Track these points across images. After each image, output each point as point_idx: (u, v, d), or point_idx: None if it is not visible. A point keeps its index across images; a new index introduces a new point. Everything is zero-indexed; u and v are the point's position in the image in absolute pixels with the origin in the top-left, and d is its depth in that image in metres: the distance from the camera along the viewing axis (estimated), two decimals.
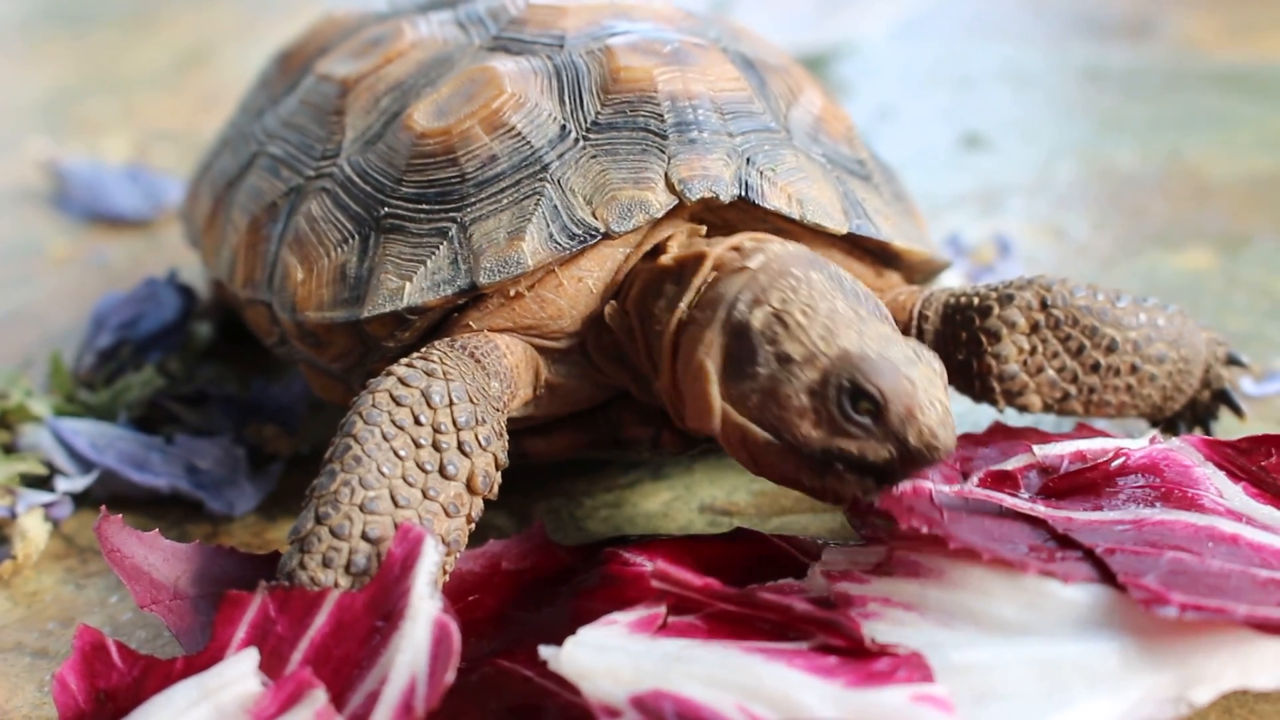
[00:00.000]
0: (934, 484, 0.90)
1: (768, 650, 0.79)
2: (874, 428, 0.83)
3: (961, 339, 1.04)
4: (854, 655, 0.79)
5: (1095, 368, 1.03)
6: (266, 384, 1.27)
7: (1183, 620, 0.77)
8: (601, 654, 0.78)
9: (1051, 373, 1.04)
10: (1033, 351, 1.03)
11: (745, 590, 0.84)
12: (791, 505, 1.10)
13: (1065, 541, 0.85)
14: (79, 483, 1.15)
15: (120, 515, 0.93)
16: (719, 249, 0.95)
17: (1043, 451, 0.95)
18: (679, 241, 0.99)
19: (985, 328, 1.03)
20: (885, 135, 2.05)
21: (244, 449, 1.18)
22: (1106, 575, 0.81)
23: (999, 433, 1.03)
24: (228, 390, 1.28)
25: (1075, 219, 1.72)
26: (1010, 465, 0.94)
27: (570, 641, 0.79)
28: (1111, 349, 1.03)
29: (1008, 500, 0.89)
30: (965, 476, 0.94)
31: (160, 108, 2.48)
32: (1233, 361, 1.11)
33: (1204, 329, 1.10)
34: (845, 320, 0.86)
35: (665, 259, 0.97)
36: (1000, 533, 0.86)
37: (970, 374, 1.04)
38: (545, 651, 0.79)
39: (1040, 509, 0.88)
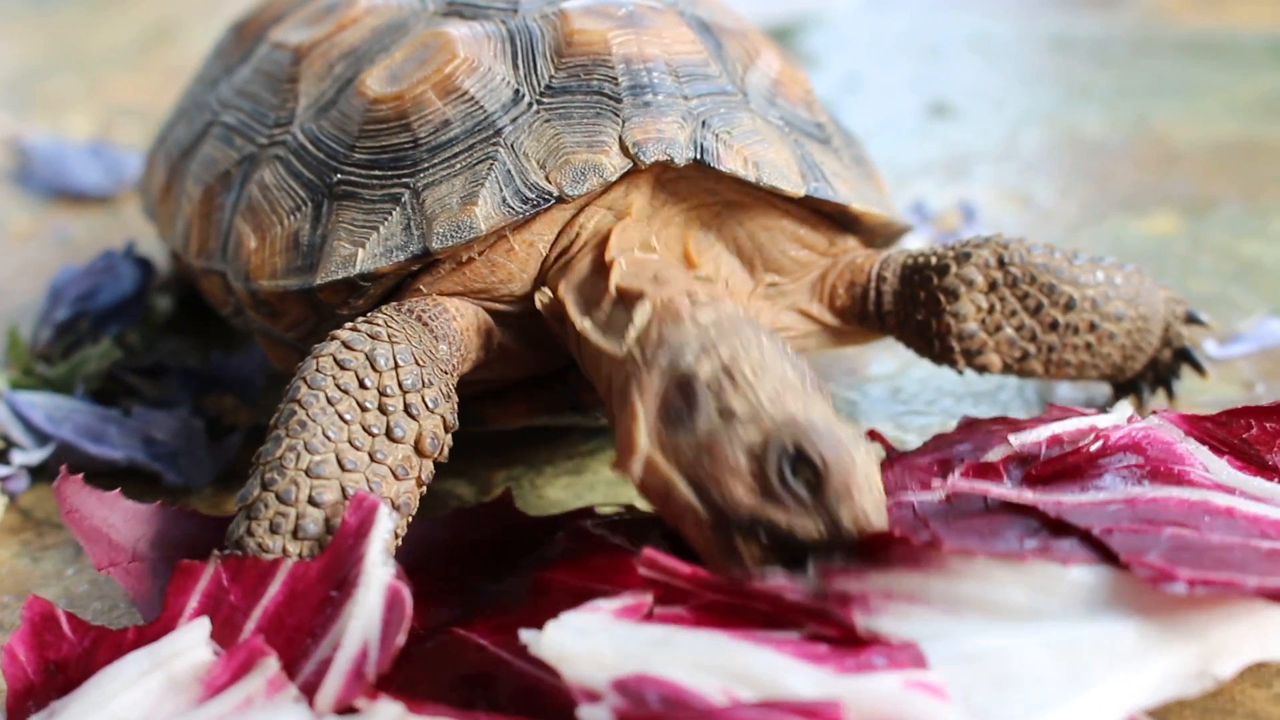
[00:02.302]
0: (914, 494, 0.89)
1: (757, 637, 0.77)
2: (808, 499, 0.80)
3: (920, 298, 1.04)
4: (846, 644, 0.77)
5: (1054, 326, 1.03)
6: (225, 356, 1.26)
7: (1193, 596, 0.75)
8: (583, 638, 0.76)
9: (1010, 331, 1.03)
10: (991, 310, 1.03)
11: (735, 580, 0.82)
12: None
13: (1058, 527, 0.83)
14: (35, 455, 1.14)
15: (80, 475, 0.92)
16: (670, 290, 0.92)
17: (1019, 440, 0.93)
18: (628, 259, 0.96)
19: (943, 286, 1.03)
20: (853, 105, 2.05)
21: (202, 421, 1.18)
22: (1107, 556, 0.79)
23: (970, 426, 1.00)
24: (186, 362, 1.28)
25: (1042, 186, 1.72)
26: (990, 457, 0.93)
27: (552, 625, 0.77)
28: (1070, 307, 1.03)
29: (994, 490, 0.88)
30: (945, 477, 0.92)
31: (125, 84, 2.46)
32: (1192, 320, 1.11)
33: (1162, 288, 1.09)
34: (795, 388, 0.83)
35: (611, 284, 0.94)
36: (991, 529, 0.84)
37: (929, 334, 1.04)
38: (526, 635, 0.77)
39: (1029, 496, 0.87)
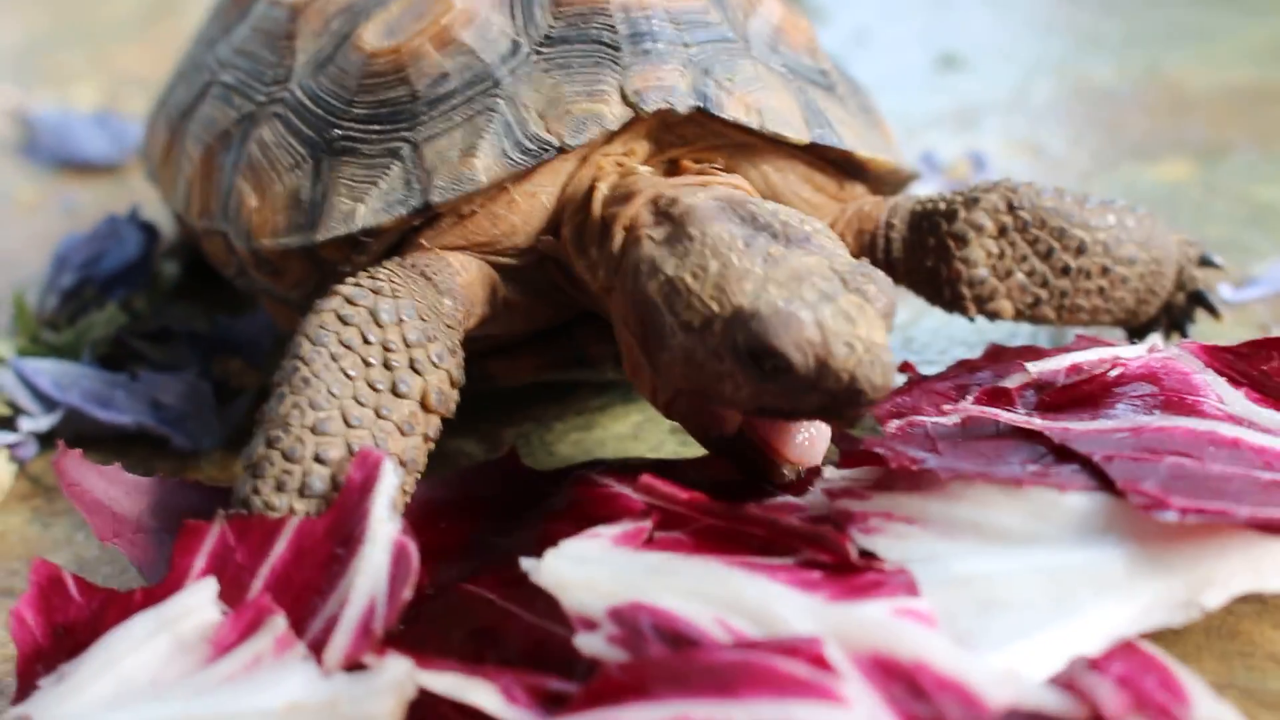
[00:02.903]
0: (928, 416, 0.89)
1: (751, 564, 0.78)
2: (790, 381, 0.79)
3: (929, 245, 1.03)
4: (839, 570, 0.77)
5: (1065, 270, 1.02)
6: (231, 319, 1.26)
7: (1184, 524, 0.75)
8: (581, 566, 0.77)
9: (1021, 276, 1.02)
10: (1001, 255, 1.02)
11: (731, 504, 0.82)
12: None
13: (1063, 453, 0.83)
14: (43, 422, 1.14)
15: (79, 450, 0.92)
16: (635, 207, 0.91)
17: (1038, 367, 0.93)
18: (610, 183, 0.96)
19: (952, 232, 1.02)
20: (862, 58, 2.04)
21: (209, 384, 1.17)
22: (1105, 483, 0.79)
23: (994, 354, 1.00)
24: (192, 326, 1.27)
25: (1052, 135, 1.71)
26: (1006, 384, 0.93)
27: (551, 553, 0.78)
28: (1081, 250, 1.02)
29: (1003, 416, 0.88)
30: (960, 400, 0.93)
31: (130, 55, 2.46)
32: (1205, 262, 1.10)
33: (1174, 232, 1.08)
34: (739, 273, 0.81)
35: (593, 211, 0.95)
36: (996, 453, 0.84)
37: (939, 281, 1.03)
38: (525, 563, 0.78)
39: (1036, 422, 0.87)
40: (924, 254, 1.03)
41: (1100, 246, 1.02)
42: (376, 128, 0.98)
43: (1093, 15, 2.22)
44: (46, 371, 1.16)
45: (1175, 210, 1.43)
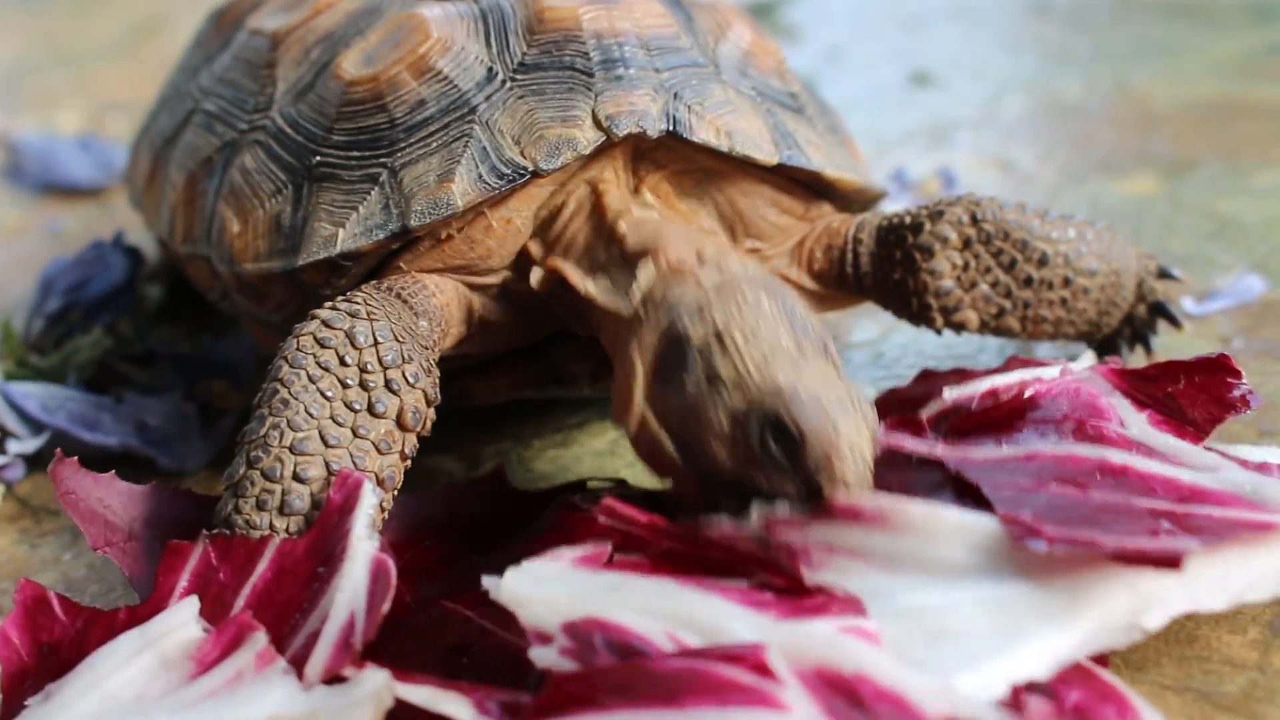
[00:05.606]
0: None
1: (705, 585, 0.79)
2: (788, 465, 0.81)
3: (896, 258, 1.05)
4: (790, 592, 0.79)
5: (1029, 282, 1.04)
6: (215, 341, 1.28)
7: (1053, 554, 0.77)
8: (541, 584, 0.79)
9: (985, 288, 1.04)
10: (966, 267, 1.04)
11: (690, 528, 0.84)
12: None
13: (959, 482, 0.85)
14: (30, 444, 1.16)
15: (75, 458, 0.93)
16: (674, 252, 0.93)
17: (953, 393, 0.95)
18: (630, 221, 0.98)
19: (918, 244, 1.04)
20: (835, 77, 2.07)
21: (194, 405, 1.19)
22: (991, 512, 0.81)
23: (924, 378, 1.03)
24: (177, 349, 1.29)
25: (1022, 150, 1.73)
26: (923, 413, 0.94)
27: (512, 571, 0.79)
28: (1043, 262, 1.04)
29: (908, 444, 0.90)
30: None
31: (113, 78, 2.47)
32: (1164, 275, 1.12)
33: (1134, 245, 1.10)
34: (785, 354, 0.84)
35: (618, 246, 0.97)
36: (901, 485, 0.86)
37: (907, 293, 1.05)
38: (488, 581, 0.79)
39: (939, 450, 0.89)
40: (891, 267, 1.06)
41: (1061, 258, 1.04)
42: (356, 154, 1.00)
43: (1062, 32, 2.24)
44: (33, 395, 1.18)
45: (1141, 224, 1.45)
